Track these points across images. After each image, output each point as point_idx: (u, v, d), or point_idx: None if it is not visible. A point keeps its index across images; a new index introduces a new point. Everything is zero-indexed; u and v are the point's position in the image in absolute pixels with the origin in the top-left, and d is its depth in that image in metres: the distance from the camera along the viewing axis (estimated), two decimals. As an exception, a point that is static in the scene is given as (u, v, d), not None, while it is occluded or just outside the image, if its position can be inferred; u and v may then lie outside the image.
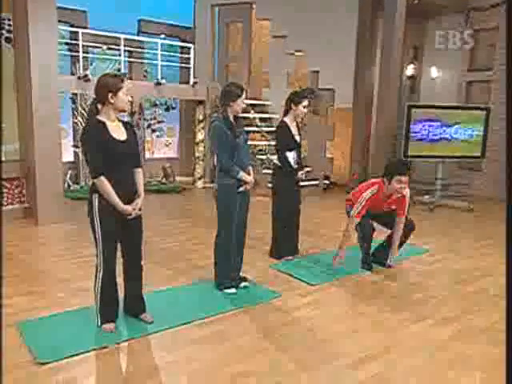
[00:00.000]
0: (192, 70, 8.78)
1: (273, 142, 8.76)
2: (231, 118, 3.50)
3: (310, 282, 3.97)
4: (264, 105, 9.63)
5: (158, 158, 10.05)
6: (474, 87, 9.10)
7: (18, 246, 4.85)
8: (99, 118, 2.78)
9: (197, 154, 9.05)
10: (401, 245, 4.36)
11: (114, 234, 2.86)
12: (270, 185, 4.64)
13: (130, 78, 8.55)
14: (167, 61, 8.72)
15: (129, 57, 8.57)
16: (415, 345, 2.99)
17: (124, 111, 2.91)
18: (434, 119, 7.41)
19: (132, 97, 8.59)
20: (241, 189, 3.56)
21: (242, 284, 3.77)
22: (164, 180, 9.29)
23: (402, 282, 4.12)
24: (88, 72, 6.83)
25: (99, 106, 2.78)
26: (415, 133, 7.39)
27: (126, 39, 7.87)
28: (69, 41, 8.00)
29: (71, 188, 8.16)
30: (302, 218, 4.63)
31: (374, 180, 4.16)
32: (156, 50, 8.34)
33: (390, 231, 4.35)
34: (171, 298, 3.58)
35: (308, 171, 4.60)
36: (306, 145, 9.29)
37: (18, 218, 5.91)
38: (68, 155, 8.53)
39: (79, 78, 6.84)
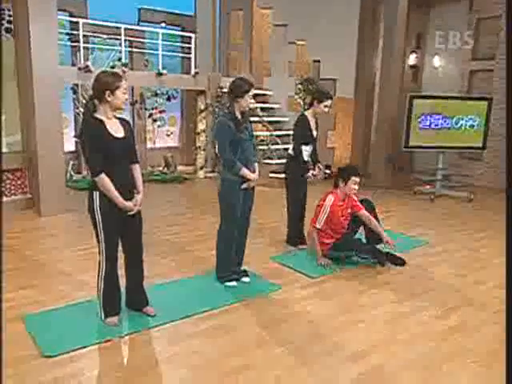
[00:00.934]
0: (193, 59, 8.74)
1: (275, 133, 8.80)
2: (237, 114, 3.47)
3: (310, 274, 4.01)
4: (265, 95, 9.60)
5: (160, 147, 10.05)
6: (476, 76, 9.04)
7: (20, 237, 4.90)
8: (96, 115, 2.78)
9: (198, 144, 9.04)
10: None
11: (115, 230, 2.89)
12: (283, 175, 4.80)
13: (131, 69, 8.51)
14: (168, 51, 8.67)
15: (129, 46, 8.51)
16: (414, 337, 3.04)
17: (121, 109, 2.89)
18: (435, 113, 7.40)
19: (133, 87, 8.58)
20: (244, 186, 3.54)
21: (244, 279, 3.79)
22: (165, 170, 9.32)
23: (402, 275, 4.15)
24: (89, 63, 6.80)
25: (96, 102, 2.78)
26: (418, 123, 7.39)
27: (126, 29, 7.81)
28: (69, 31, 7.96)
29: (73, 178, 8.19)
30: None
31: (327, 193, 4.37)
32: (157, 39, 8.29)
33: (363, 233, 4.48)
34: (172, 291, 3.62)
35: (318, 172, 4.63)
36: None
37: (20, 209, 5.95)
38: (69, 145, 8.55)
39: (80, 68, 6.81)
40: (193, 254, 4.53)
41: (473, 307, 3.53)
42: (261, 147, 8.42)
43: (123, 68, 7.37)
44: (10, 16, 5.76)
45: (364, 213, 4.35)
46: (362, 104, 8.66)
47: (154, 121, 9.51)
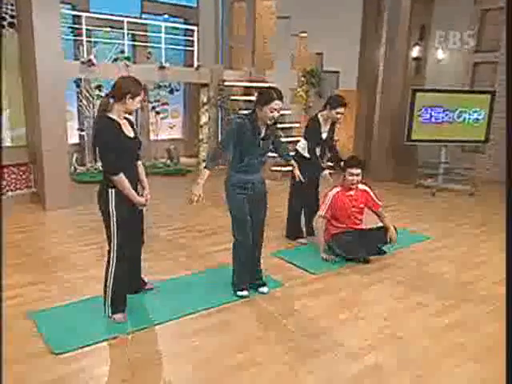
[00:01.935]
0: (196, 52, 8.72)
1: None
2: (259, 122, 3.26)
3: (311, 270, 4.06)
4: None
5: (162, 139, 10.08)
6: (480, 68, 9.00)
7: (27, 232, 4.97)
8: (111, 116, 2.88)
9: (201, 137, 9.06)
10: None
11: (128, 224, 3.00)
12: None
13: (134, 62, 8.51)
14: (171, 44, 8.65)
15: (132, 40, 8.50)
16: (414, 334, 3.09)
17: (131, 114, 3.02)
18: (437, 106, 7.40)
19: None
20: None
21: (261, 289, 3.61)
22: (168, 162, 9.37)
23: (402, 271, 4.20)
24: (92, 57, 6.80)
25: (111, 101, 2.90)
26: (419, 116, 7.39)
27: (129, 22, 7.80)
28: (72, 24, 7.95)
29: (77, 171, 8.25)
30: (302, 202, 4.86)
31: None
32: (159, 32, 8.27)
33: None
34: (174, 288, 3.66)
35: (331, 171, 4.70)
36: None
37: (26, 203, 6.03)
38: (73, 137, 8.59)
39: (83, 62, 6.83)
40: (192, 250, 4.57)
41: (472, 303, 3.58)
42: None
43: (126, 62, 7.38)
44: (12, 11, 5.78)
45: (380, 212, 4.38)
46: (365, 97, 8.65)
47: (157, 113, 9.52)
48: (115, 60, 8.50)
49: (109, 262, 3.02)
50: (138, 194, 3.04)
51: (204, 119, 8.97)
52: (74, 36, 7.86)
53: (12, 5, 5.74)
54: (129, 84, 2.88)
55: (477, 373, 2.71)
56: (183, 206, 6.29)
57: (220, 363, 2.70)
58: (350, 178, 4.23)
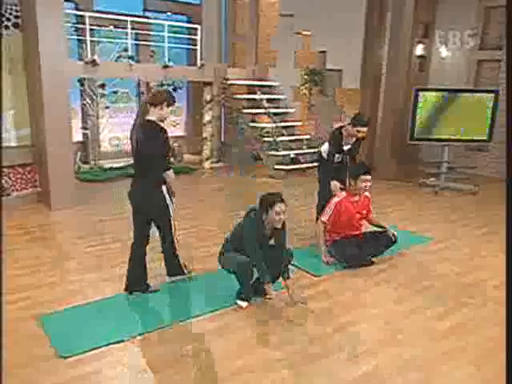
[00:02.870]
0: (199, 51, 8.73)
1: (280, 124, 8.83)
2: (267, 227, 3.39)
3: (313, 272, 4.10)
4: (271, 86, 9.59)
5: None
6: (484, 66, 8.98)
7: (33, 233, 5.02)
8: (151, 118, 3.33)
9: (204, 135, 9.10)
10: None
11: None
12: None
13: (138, 61, 8.54)
14: (174, 42, 8.66)
15: (135, 39, 8.52)
16: (414, 337, 3.14)
17: (163, 121, 3.43)
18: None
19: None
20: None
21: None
22: (172, 159, 9.39)
23: (403, 273, 4.23)
24: (96, 57, 6.83)
25: (148, 107, 3.35)
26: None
27: (132, 21, 7.81)
28: (75, 23, 7.96)
29: (81, 170, 8.30)
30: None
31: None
32: (163, 31, 8.28)
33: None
34: (176, 291, 3.70)
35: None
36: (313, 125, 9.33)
37: (31, 203, 6.08)
38: (77, 135, 8.62)
39: (87, 62, 6.86)
40: (192, 252, 4.53)
41: (473, 306, 3.62)
42: (266, 139, 8.47)
43: (129, 61, 7.40)
44: (16, 11, 5.80)
45: (371, 218, 4.57)
46: (368, 95, 8.64)
47: (161, 111, 9.54)
48: (119, 57, 8.54)
49: (165, 241, 3.59)
50: None
51: (207, 117, 9.01)
52: (78, 36, 7.87)
53: (16, 5, 5.76)
54: (166, 95, 3.42)
55: (476, 376, 2.76)
56: (192, 205, 6.22)
57: (222, 367, 2.74)
58: (363, 184, 4.29)
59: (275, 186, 7.45)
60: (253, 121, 8.78)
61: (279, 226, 3.38)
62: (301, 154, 8.65)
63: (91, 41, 7.56)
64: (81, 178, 7.59)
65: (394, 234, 4.43)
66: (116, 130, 9.33)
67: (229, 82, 8.80)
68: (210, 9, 9.64)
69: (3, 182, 5.84)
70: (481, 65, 8.98)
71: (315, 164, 8.06)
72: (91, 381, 2.60)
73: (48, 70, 5.59)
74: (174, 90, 9.64)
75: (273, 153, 8.34)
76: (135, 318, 3.22)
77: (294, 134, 9.10)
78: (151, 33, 8.94)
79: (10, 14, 5.76)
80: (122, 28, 7.98)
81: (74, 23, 8.00)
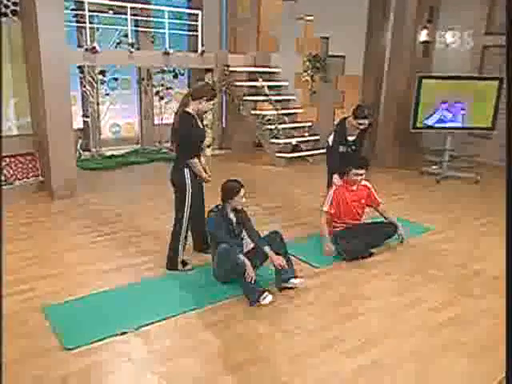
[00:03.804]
0: (200, 37, 8.63)
1: (281, 111, 8.77)
2: (230, 215, 3.70)
3: (313, 264, 4.11)
4: (273, 72, 9.49)
5: (166, 123, 10.04)
6: (489, 52, 8.86)
7: (35, 223, 5.03)
8: (188, 110, 3.65)
9: (205, 122, 9.01)
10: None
11: (195, 195, 3.86)
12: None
13: (138, 48, 8.44)
14: (175, 29, 8.55)
15: (135, 26, 8.41)
16: (413, 330, 3.16)
17: (201, 115, 3.81)
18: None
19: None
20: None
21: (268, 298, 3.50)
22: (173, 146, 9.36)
23: (403, 264, 4.24)
24: (95, 44, 6.76)
25: (189, 99, 3.67)
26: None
27: (132, 8, 7.71)
28: (74, 9, 7.86)
29: (82, 157, 8.28)
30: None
31: None
32: (163, 18, 8.18)
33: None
34: (176, 284, 3.71)
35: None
36: (316, 112, 9.27)
37: (33, 192, 6.09)
38: (77, 123, 8.58)
39: (87, 49, 6.79)
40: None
41: (472, 298, 3.63)
42: (268, 126, 8.42)
43: (130, 48, 7.32)
44: (15, -2, 5.73)
45: (381, 208, 4.61)
46: (371, 82, 8.55)
47: (161, 98, 9.48)
48: (118, 43, 8.45)
49: (177, 224, 3.88)
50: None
51: (209, 104, 8.93)
52: (77, 22, 7.77)
53: (14, -8, 5.68)
54: (207, 89, 3.75)
55: (476, 368, 2.78)
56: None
57: (224, 360, 2.78)
58: (355, 177, 4.42)
59: (276, 174, 7.44)
60: (254, 108, 8.71)
61: (240, 207, 3.70)
62: (302, 142, 8.60)
63: (90, 27, 7.46)
64: (82, 167, 7.58)
65: (401, 235, 4.53)
66: (116, 117, 9.28)
67: (230, 69, 8.71)
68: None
69: (4, 171, 5.84)
70: (486, 51, 8.86)
71: (316, 152, 8.15)
72: (97, 371, 2.64)
73: (47, 57, 5.53)
74: (176, 76, 9.57)
75: (274, 140, 8.30)
76: (141, 309, 3.24)
77: (295, 121, 9.04)
78: (151, 19, 8.81)
79: (9, 0, 5.69)
80: (122, 16, 7.87)
81: (72, 9, 7.90)
